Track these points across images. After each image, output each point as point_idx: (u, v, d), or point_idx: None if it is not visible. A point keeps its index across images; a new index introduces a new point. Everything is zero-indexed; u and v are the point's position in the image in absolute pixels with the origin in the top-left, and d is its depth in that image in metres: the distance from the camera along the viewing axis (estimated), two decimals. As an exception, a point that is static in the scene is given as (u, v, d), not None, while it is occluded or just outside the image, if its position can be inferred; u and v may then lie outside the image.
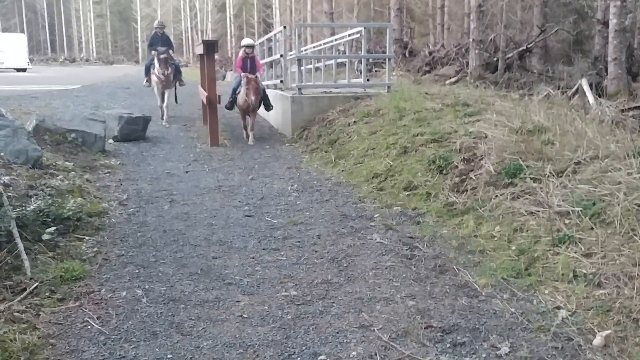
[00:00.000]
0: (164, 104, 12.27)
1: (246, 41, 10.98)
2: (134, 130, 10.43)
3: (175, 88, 13.80)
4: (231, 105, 10.74)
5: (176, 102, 14.55)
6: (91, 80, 24.35)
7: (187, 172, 8.08)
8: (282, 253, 4.72)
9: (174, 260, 4.55)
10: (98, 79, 26.40)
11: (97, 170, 7.81)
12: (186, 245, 4.94)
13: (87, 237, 4.91)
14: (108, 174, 7.73)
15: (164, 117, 12.33)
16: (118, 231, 5.29)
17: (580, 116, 7.14)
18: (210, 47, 9.57)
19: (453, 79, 14.73)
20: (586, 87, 9.72)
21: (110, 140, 9.98)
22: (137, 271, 4.31)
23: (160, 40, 12.91)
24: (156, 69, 11.78)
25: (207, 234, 5.23)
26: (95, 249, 4.71)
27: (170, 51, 12.72)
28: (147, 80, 13.01)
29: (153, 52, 12.34)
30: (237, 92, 10.36)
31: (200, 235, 5.19)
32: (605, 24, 12.20)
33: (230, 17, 53.53)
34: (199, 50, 11.73)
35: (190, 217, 5.81)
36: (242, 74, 10.00)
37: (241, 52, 10.50)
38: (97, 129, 9.02)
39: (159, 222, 5.61)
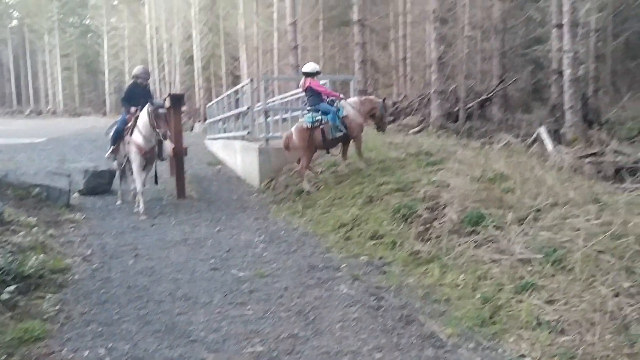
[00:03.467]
0: (142, 188, 8.82)
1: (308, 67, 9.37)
2: (100, 184, 10.34)
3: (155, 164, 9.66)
4: None
5: (156, 182, 9.78)
6: (57, 133, 24.11)
7: (152, 225, 8.00)
8: (248, 307, 4.67)
9: (138, 317, 4.47)
10: (64, 131, 26.19)
11: (61, 225, 7.68)
12: (150, 301, 4.85)
13: (49, 295, 4.79)
14: (73, 229, 7.61)
15: (140, 207, 8.65)
16: (81, 288, 5.18)
17: (539, 164, 7.36)
18: (177, 100, 9.65)
19: (416, 129, 15.04)
20: (544, 135, 10.03)
21: (76, 194, 9.87)
22: (100, 329, 4.21)
23: (142, 94, 9.43)
24: (142, 132, 8.62)
25: (172, 289, 5.15)
26: (57, 307, 4.59)
27: None
28: (112, 151, 9.43)
29: (133, 108, 9.08)
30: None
31: (165, 291, 5.11)
32: (561, 73, 12.69)
33: (198, 70, 54.02)
34: (166, 103, 11.75)
35: (155, 271, 5.73)
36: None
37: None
38: (61, 183, 8.91)
39: (123, 278, 5.52)
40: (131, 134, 8.80)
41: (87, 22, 78.04)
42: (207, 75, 56.07)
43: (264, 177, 10.76)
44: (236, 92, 15.16)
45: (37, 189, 8.46)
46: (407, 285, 5.09)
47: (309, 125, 8.91)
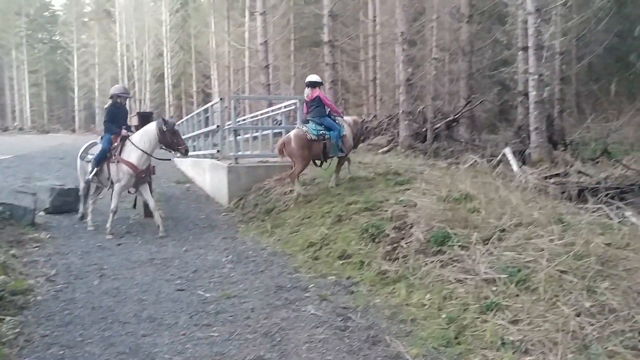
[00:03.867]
0: (116, 208, 8.64)
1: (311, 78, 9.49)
2: (66, 202, 10.17)
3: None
4: None
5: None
6: (24, 150, 23.64)
7: (119, 244, 7.89)
8: (214, 329, 4.62)
9: (102, 339, 4.39)
10: (32, 148, 25.68)
11: (25, 244, 7.53)
12: (115, 322, 4.77)
13: (8, 318, 4.66)
14: (37, 248, 7.46)
15: (108, 226, 8.49)
16: (43, 309, 5.07)
17: (504, 184, 7.48)
18: (145, 118, 9.61)
19: (385, 149, 15.20)
20: (510, 156, 10.22)
21: (42, 213, 9.69)
22: (61, 352, 4.13)
23: (123, 114, 9.21)
24: (144, 150, 8.50)
25: (137, 310, 5.07)
26: (16, 330, 4.47)
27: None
28: (94, 174, 8.77)
29: (124, 130, 8.75)
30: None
31: (130, 312, 5.03)
32: (526, 95, 12.98)
33: (168, 87, 53.83)
34: (134, 121, 11.66)
35: (120, 292, 5.64)
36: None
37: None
38: (26, 201, 8.73)
39: (88, 299, 5.42)
40: (120, 154, 8.58)
41: (56, 39, 77.25)
42: (178, 92, 55.97)
43: (233, 195, 10.70)
44: (206, 110, 15.13)
45: (0, 208, 8.27)
46: (374, 305, 5.10)
47: (314, 137, 8.87)
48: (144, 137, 8.62)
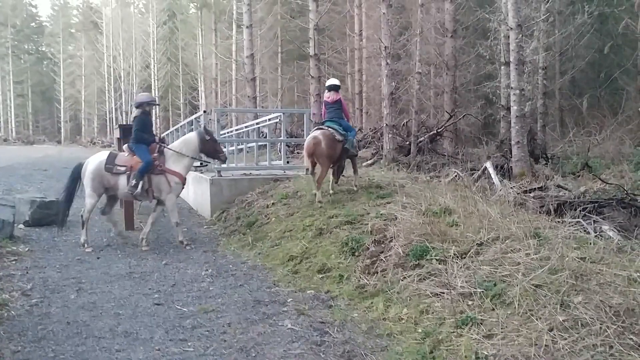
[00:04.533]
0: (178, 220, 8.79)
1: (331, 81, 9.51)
2: (47, 215, 10.05)
3: None
4: None
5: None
6: (7, 162, 23.44)
7: (98, 258, 7.83)
8: (189, 344, 4.58)
9: (75, 355, 4.34)
10: (15, 159, 25.46)
11: (2, 258, 7.44)
12: (89, 337, 4.72)
13: (-21, 334, 4.62)
14: (14, 262, 7.38)
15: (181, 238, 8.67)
16: (17, 324, 5.01)
17: (484, 198, 7.52)
18: (127, 131, 9.52)
19: (369, 162, 15.25)
20: (491, 170, 10.29)
21: (21, 226, 9.61)
22: (33, 368, 4.07)
23: (151, 123, 9.15)
24: (190, 158, 8.71)
25: (113, 325, 5.02)
26: (-13, 346, 4.42)
27: None
28: (140, 187, 8.32)
29: (155, 144, 8.62)
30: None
31: (105, 327, 4.98)
32: (509, 109, 13.09)
33: (155, 99, 53.71)
34: (117, 133, 11.61)
35: (96, 306, 5.58)
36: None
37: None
38: (4, 214, 8.63)
39: (63, 313, 5.36)
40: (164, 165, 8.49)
41: (43, 49, 76.96)
42: (165, 104, 55.79)
43: (216, 208, 10.68)
44: (190, 122, 15.11)
45: (-24, 221, 8.18)
46: (351, 319, 5.09)
47: (340, 138, 8.87)
48: (185, 146, 8.69)
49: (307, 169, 8.94)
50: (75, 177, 8.74)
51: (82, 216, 8.59)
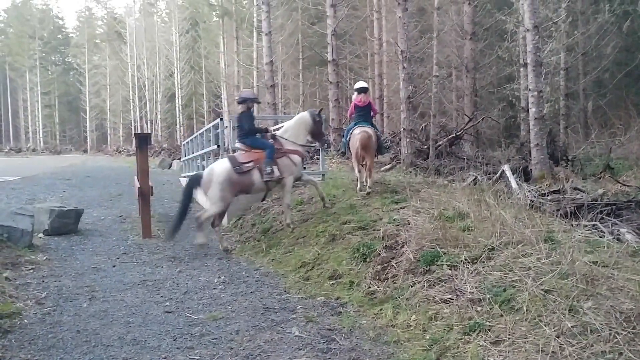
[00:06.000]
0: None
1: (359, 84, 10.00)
2: (66, 224, 10.17)
3: None
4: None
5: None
6: (33, 171, 23.83)
7: (114, 266, 7.89)
8: (196, 352, 4.58)
9: (82, 363, 4.37)
10: (41, 169, 25.86)
11: (20, 267, 7.53)
12: (98, 345, 4.75)
13: (-9, 342, 4.68)
14: (32, 271, 7.47)
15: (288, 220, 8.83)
16: (28, 333, 5.06)
17: (500, 201, 7.39)
18: (143, 140, 9.64)
19: (388, 166, 15.17)
20: (508, 173, 10.14)
21: (41, 235, 9.72)
22: (40, 376, 4.11)
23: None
24: (303, 138, 9.12)
25: (122, 333, 5.05)
26: (-2, 354, 4.48)
27: None
28: (276, 169, 8.70)
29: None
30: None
31: (114, 335, 5.01)
32: (528, 111, 12.91)
33: (179, 107, 54.23)
34: (134, 143, 11.76)
35: (107, 314, 5.62)
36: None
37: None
38: (24, 223, 8.75)
39: (74, 321, 5.41)
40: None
41: (69, 60, 78.44)
42: (189, 112, 56.39)
43: (232, 215, 10.71)
44: (208, 130, 15.18)
45: (-3, 230, 8.31)
46: (359, 326, 5.05)
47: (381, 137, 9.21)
48: (297, 126, 9.00)
49: (354, 168, 9.44)
50: (190, 192, 8.91)
51: (198, 218, 8.78)
